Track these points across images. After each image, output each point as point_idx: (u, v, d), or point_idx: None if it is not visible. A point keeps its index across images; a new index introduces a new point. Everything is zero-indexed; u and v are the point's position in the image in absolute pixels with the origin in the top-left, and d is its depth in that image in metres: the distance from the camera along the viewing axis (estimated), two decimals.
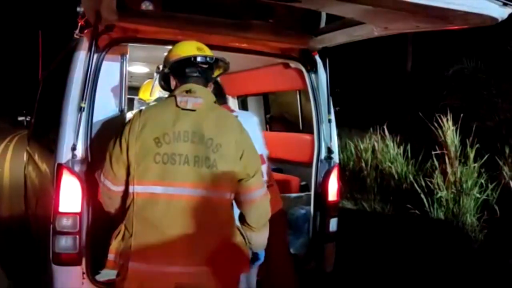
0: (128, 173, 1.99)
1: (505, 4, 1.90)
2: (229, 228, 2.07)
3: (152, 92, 3.96)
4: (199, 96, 2.01)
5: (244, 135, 2.09)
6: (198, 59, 2.07)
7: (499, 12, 1.95)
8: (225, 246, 2.03)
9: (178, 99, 1.99)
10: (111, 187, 2.06)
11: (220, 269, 2.00)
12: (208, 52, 2.13)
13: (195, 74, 2.08)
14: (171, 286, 1.96)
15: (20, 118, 6.18)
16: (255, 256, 2.58)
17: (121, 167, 2.00)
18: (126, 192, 2.03)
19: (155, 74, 3.33)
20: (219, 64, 2.24)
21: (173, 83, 2.14)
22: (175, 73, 2.12)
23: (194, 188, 1.95)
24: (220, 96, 2.76)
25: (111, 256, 2.03)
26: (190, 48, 2.11)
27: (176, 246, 1.94)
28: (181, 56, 2.08)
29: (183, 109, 1.98)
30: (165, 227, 1.94)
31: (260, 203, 2.12)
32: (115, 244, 2.02)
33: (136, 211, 1.95)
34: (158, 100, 3.61)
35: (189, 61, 2.07)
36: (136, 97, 4.16)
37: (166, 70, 2.15)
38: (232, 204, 2.10)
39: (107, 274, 2.69)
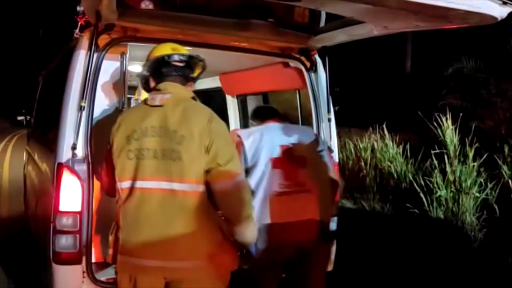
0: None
1: (504, 3, 1.90)
2: (205, 221, 2.05)
3: (138, 93, 4.05)
4: (168, 92, 2.10)
5: (215, 124, 2.06)
6: (173, 57, 2.16)
7: (499, 11, 1.95)
8: (202, 240, 2.03)
9: (149, 97, 2.13)
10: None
11: (203, 263, 2.03)
12: (182, 51, 2.22)
13: (171, 73, 2.17)
14: (159, 279, 2.04)
15: (19, 118, 6.18)
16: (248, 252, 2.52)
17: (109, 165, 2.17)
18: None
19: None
20: (194, 61, 2.26)
21: (152, 84, 2.22)
22: (153, 74, 2.21)
23: (164, 181, 2.01)
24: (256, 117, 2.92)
25: (110, 251, 2.16)
26: (165, 48, 2.21)
27: (153, 240, 2.00)
28: (156, 57, 2.18)
29: (151, 106, 2.08)
30: (141, 221, 2.03)
31: (233, 194, 2.05)
32: (111, 238, 2.16)
33: (120, 205, 2.10)
34: None
35: (163, 61, 2.17)
36: (133, 97, 4.21)
37: (145, 72, 2.24)
38: (208, 198, 2.06)
39: (108, 273, 2.71)
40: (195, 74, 2.29)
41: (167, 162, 2.00)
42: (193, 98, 2.18)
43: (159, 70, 2.18)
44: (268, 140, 2.65)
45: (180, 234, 2.00)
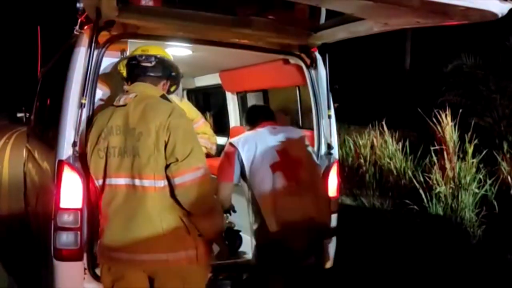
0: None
1: (505, 0, 1.90)
2: (166, 216, 2.07)
3: None
4: (133, 92, 2.21)
5: (173, 119, 2.08)
6: (138, 59, 2.29)
7: (499, 8, 1.95)
8: (163, 235, 2.06)
9: (116, 99, 2.23)
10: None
11: (167, 258, 2.08)
12: (151, 52, 2.33)
13: (140, 74, 2.29)
14: (136, 271, 2.13)
15: (19, 115, 6.17)
16: (233, 240, 2.56)
17: None
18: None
19: None
20: (157, 60, 2.32)
21: (126, 86, 2.35)
22: (127, 76, 2.37)
23: (127, 178, 2.09)
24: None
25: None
26: (135, 51, 2.36)
27: (120, 234, 2.11)
28: (126, 60, 2.35)
29: (117, 106, 2.19)
30: (111, 216, 2.14)
31: (191, 187, 2.04)
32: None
33: (99, 204, 2.23)
34: None
35: (131, 64, 2.32)
36: None
37: (124, 74, 2.41)
38: (171, 194, 2.08)
39: None
40: (167, 73, 2.38)
41: (129, 159, 2.08)
42: (163, 96, 2.26)
43: (130, 72, 2.34)
44: (263, 146, 2.69)
45: (142, 229, 2.07)
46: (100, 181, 2.18)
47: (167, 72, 2.38)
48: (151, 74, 2.30)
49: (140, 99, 2.16)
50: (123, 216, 2.11)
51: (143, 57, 2.30)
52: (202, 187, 2.07)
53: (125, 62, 2.41)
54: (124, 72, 2.42)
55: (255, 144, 2.70)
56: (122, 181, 2.11)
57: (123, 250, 2.11)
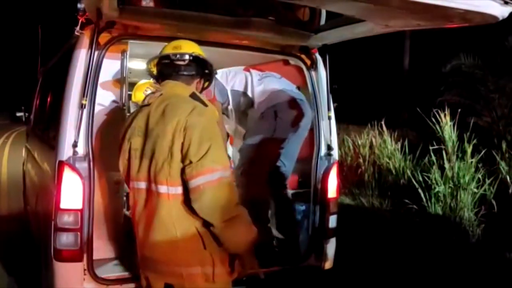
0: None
1: (506, 3, 1.90)
2: (179, 228, 1.91)
3: (134, 95, 4.21)
4: (160, 91, 2.08)
5: (191, 117, 1.90)
6: (171, 57, 2.13)
7: (500, 11, 1.95)
8: (177, 249, 1.91)
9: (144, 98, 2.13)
10: None
11: (185, 274, 1.92)
12: (184, 48, 2.16)
13: (173, 73, 2.14)
14: (158, 282, 2.05)
15: (18, 114, 6.15)
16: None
17: None
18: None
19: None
20: (191, 58, 2.16)
21: (158, 84, 2.25)
22: (159, 74, 2.23)
23: (145, 182, 1.99)
24: None
25: None
26: (166, 48, 2.20)
27: (142, 240, 2.04)
28: (156, 57, 2.20)
29: (141, 106, 2.10)
30: (136, 219, 2.07)
31: (205, 192, 1.81)
32: None
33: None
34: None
35: (163, 63, 2.17)
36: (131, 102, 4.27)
37: (154, 72, 2.28)
38: (188, 202, 1.90)
39: (109, 270, 2.72)
40: (201, 71, 2.22)
41: (147, 163, 1.96)
42: (193, 95, 2.06)
43: (162, 71, 2.20)
44: None
45: (158, 238, 1.93)
46: (130, 183, 2.13)
47: (201, 70, 2.21)
48: (185, 73, 2.13)
49: (163, 98, 2.01)
50: (144, 221, 2.01)
51: (177, 56, 2.11)
52: (219, 192, 1.85)
53: (155, 61, 2.24)
54: (154, 70, 2.27)
55: None
56: (142, 185, 2.00)
57: (148, 258, 2.04)
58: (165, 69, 2.16)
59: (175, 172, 1.88)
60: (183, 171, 1.86)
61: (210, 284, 1.93)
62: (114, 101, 2.80)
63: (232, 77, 3.52)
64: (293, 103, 3.36)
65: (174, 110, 1.93)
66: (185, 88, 2.11)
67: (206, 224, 1.89)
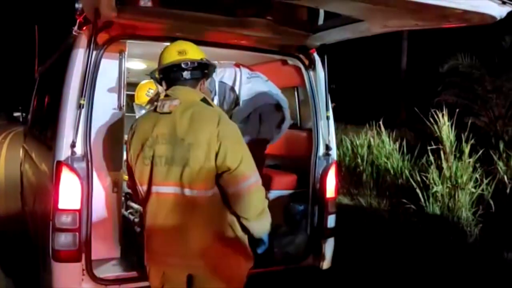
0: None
1: (504, 3, 1.91)
2: (215, 223, 2.11)
3: (137, 97, 4.23)
4: (176, 98, 2.13)
5: (222, 127, 2.07)
6: (182, 66, 2.19)
7: (498, 11, 1.96)
8: (215, 242, 2.11)
9: (158, 104, 2.16)
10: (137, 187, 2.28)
11: (217, 264, 2.12)
12: (190, 54, 2.22)
13: (180, 78, 2.20)
14: (182, 274, 2.17)
15: (15, 114, 6.14)
16: (258, 242, 2.50)
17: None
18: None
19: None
20: (197, 64, 2.23)
21: (164, 86, 2.29)
22: (165, 78, 2.27)
23: (175, 187, 2.08)
24: None
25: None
26: (171, 54, 2.23)
27: (170, 239, 2.12)
28: (163, 65, 2.23)
29: (161, 113, 2.13)
30: (159, 223, 2.13)
31: (245, 196, 2.08)
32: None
33: (143, 207, 2.21)
34: (152, 101, 3.81)
35: (169, 68, 2.21)
36: (134, 104, 4.27)
37: (157, 76, 2.31)
38: (219, 200, 2.11)
39: (107, 270, 2.72)
40: (203, 73, 2.29)
41: (178, 169, 2.06)
42: (203, 99, 2.19)
43: (168, 75, 2.24)
44: None
45: (192, 236, 2.09)
46: (145, 187, 2.15)
47: (204, 72, 2.30)
48: (192, 77, 2.22)
49: (185, 107, 2.11)
50: (172, 223, 2.10)
51: (188, 64, 2.19)
52: (255, 194, 2.11)
53: (159, 67, 2.28)
54: (157, 74, 2.32)
55: None
56: (170, 189, 2.09)
57: (174, 255, 2.12)
58: (173, 74, 2.23)
59: (211, 177, 2.07)
60: (218, 176, 2.07)
61: (237, 270, 2.19)
62: (112, 101, 2.79)
63: (222, 70, 3.51)
64: (276, 107, 3.47)
65: (202, 120, 2.09)
66: (196, 93, 2.22)
67: (236, 218, 2.13)
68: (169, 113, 2.10)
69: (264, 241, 2.38)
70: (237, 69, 3.54)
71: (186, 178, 2.05)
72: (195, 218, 2.08)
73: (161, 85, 2.34)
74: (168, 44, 2.82)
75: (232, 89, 3.49)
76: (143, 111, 3.44)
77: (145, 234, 2.22)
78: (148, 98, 4.05)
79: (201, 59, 2.24)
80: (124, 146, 2.63)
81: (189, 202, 2.07)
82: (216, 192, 2.09)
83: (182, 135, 2.06)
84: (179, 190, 2.07)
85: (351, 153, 7.87)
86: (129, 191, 2.93)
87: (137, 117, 3.21)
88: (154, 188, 2.11)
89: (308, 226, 3.26)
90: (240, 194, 2.07)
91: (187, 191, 2.07)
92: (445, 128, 5.88)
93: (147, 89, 4.20)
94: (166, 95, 2.18)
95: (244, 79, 3.49)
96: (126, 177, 2.65)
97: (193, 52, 2.24)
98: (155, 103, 2.19)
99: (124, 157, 2.66)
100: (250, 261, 2.24)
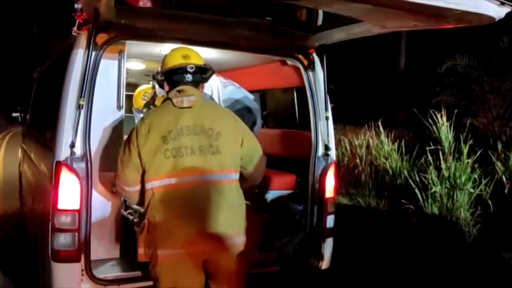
0: (143, 174, 2.27)
1: (502, 4, 1.91)
2: (240, 202, 2.35)
3: (135, 102, 4.40)
4: (191, 94, 2.31)
5: (239, 122, 2.43)
6: (188, 69, 2.37)
7: (497, 12, 1.97)
8: (241, 219, 2.33)
9: (174, 100, 2.29)
10: (125, 187, 2.36)
11: (243, 238, 2.32)
12: (193, 58, 2.39)
13: (183, 80, 2.37)
14: (198, 263, 2.26)
15: (14, 114, 6.13)
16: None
17: (132, 171, 2.28)
18: (142, 191, 2.31)
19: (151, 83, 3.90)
20: (199, 69, 2.42)
21: (166, 88, 2.44)
22: (168, 81, 2.43)
23: (203, 174, 2.24)
24: None
25: (140, 250, 2.29)
26: (176, 57, 2.40)
27: (195, 227, 2.21)
28: (168, 67, 2.39)
29: (180, 108, 2.28)
30: (183, 213, 2.21)
31: (262, 171, 2.52)
32: (142, 238, 2.28)
33: (156, 204, 2.22)
34: (148, 105, 4.03)
35: (174, 70, 2.38)
36: (133, 108, 4.31)
37: (160, 78, 2.46)
38: (239, 184, 2.36)
39: (106, 270, 2.72)
40: (203, 77, 2.49)
41: (206, 157, 2.25)
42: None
43: (172, 77, 2.40)
44: None
45: (225, 217, 2.26)
46: (163, 181, 2.21)
47: (203, 76, 2.48)
48: (193, 79, 2.39)
49: (200, 102, 2.34)
50: (203, 210, 2.22)
51: (193, 68, 2.37)
52: (264, 164, 2.52)
53: (164, 69, 2.43)
54: (159, 76, 2.46)
55: None
56: (197, 177, 2.24)
57: (197, 243, 2.21)
58: (176, 77, 2.39)
59: (238, 162, 2.37)
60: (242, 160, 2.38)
61: (243, 248, 2.32)
62: (111, 102, 2.79)
63: None
64: (250, 111, 3.65)
65: (223, 113, 2.46)
66: (201, 94, 2.44)
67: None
68: (189, 107, 2.27)
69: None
70: (214, 77, 3.60)
71: (217, 164, 2.25)
72: (225, 201, 2.26)
73: (161, 87, 2.47)
74: (167, 45, 2.85)
75: (211, 98, 3.58)
76: (141, 115, 3.46)
77: (158, 233, 2.21)
78: (144, 102, 4.14)
79: (204, 64, 2.43)
80: None
81: (219, 186, 2.27)
82: (238, 175, 2.36)
83: (210, 125, 2.28)
84: (208, 177, 2.24)
85: (350, 154, 7.88)
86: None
87: (136, 121, 3.21)
88: (179, 179, 2.21)
89: (307, 226, 3.26)
90: (258, 171, 2.48)
91: (217, 176, 2.26)
92: (444, 128, 5.90)
93: (142, 95, 4.36)
94: (178, 91, 2.31)
95: (221, 87, 3.68)
96: None
97: (196, 58, 2.42)
98: (172, 99, 2.30)
99: None
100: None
